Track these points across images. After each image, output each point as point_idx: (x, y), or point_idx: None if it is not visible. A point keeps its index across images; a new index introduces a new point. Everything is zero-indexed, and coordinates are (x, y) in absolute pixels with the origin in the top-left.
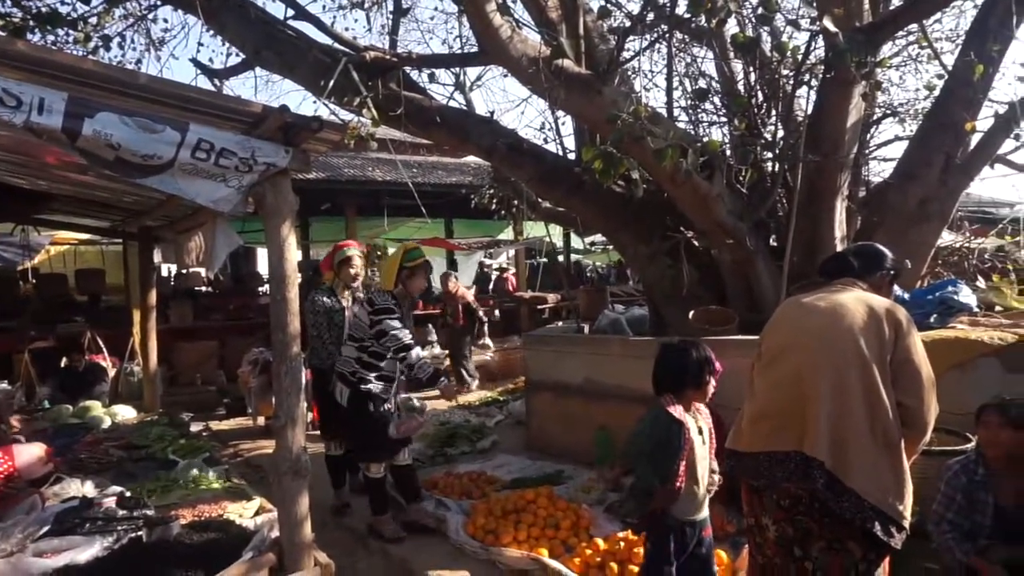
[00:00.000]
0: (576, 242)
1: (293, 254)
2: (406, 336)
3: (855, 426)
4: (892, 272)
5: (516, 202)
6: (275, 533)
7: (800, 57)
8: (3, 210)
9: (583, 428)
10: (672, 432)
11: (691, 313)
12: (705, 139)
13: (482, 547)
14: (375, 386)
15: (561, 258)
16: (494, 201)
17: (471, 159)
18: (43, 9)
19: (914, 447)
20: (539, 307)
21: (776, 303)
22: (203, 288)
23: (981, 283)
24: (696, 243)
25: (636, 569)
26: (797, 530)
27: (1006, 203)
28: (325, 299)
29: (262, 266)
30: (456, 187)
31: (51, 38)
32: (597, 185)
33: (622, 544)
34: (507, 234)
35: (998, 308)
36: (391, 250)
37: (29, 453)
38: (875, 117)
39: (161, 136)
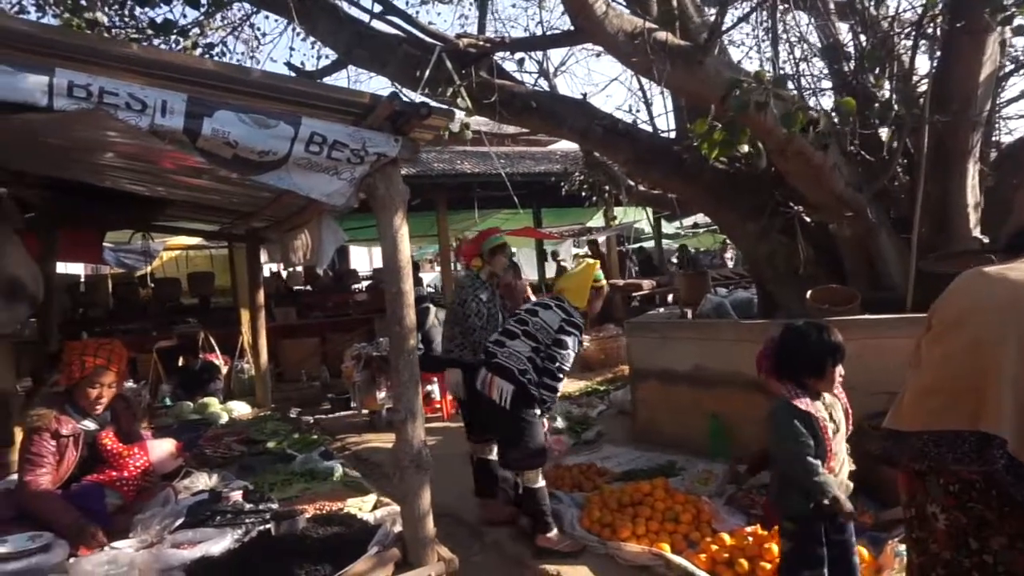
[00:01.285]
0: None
1: (407, 246)
2: (569, 364)
3: None
4: None
5: (608, 187)
6: (397, 527)
7: (923, 7)
8: (126, 217)
9: (693, 417)
10: (804, 423)
11: (808, 293)
12: (818, 107)
13: (600, 541)
14: (538, 392)
15: (653, 243)
16: (585, 187)
17: (558, 147)
18: (156, 19)
19: None
20: (633, 294)
21: (903, 278)
22: (303, 287)
23: None
24: (809, 219)
25: (768, 567)
26: (971, 519)
27: None
28: (483, 290)
29: (355, 263)
30: (545, 176)
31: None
32: (699, 163)
33: (750, 539)
34: (597, 221)
35: None
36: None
37: (162, 448)
38: (1005, 70)
39: (276, 131)
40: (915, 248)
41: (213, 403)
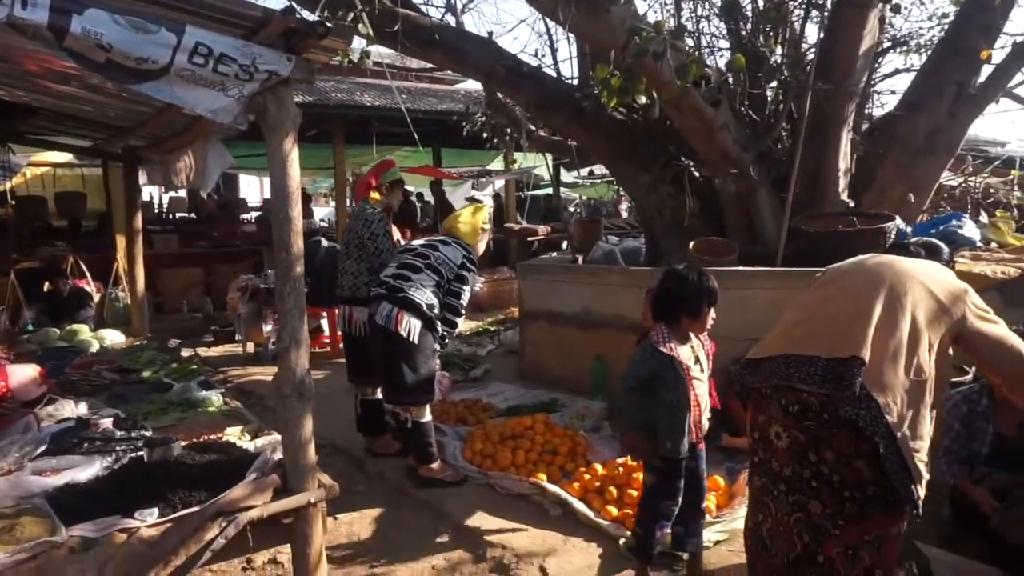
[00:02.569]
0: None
1: (296, 171)
2: (467, 299)
3: (897, 348)
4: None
5: (509, 130)
6: (278, 455)
7: None
8: None
9: (578, 357)
10: (664, 367)
11: (691, 244)
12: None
13: (480, 472)
14: (440, 328)
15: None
16: (486, 129)
17: (462, 87)
18: None
19: None
20: (529, 239)
21: (777, 235)
22: (186, 215)
23: (984, 218)
24: (698, 173)
25: (635, 493)
26: (808, 437)
27: (999, 142)
28: (388, 224)
29: (245, 193)
30: (447, 115)
31: None
32: (598, 112)
33: (620, 469)
34: (497, 164)
35: (994, 244)
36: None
37: (22, 374)
38: (883, 47)
39: (156, 38)
40: (789, 207)
41: (83, 330)
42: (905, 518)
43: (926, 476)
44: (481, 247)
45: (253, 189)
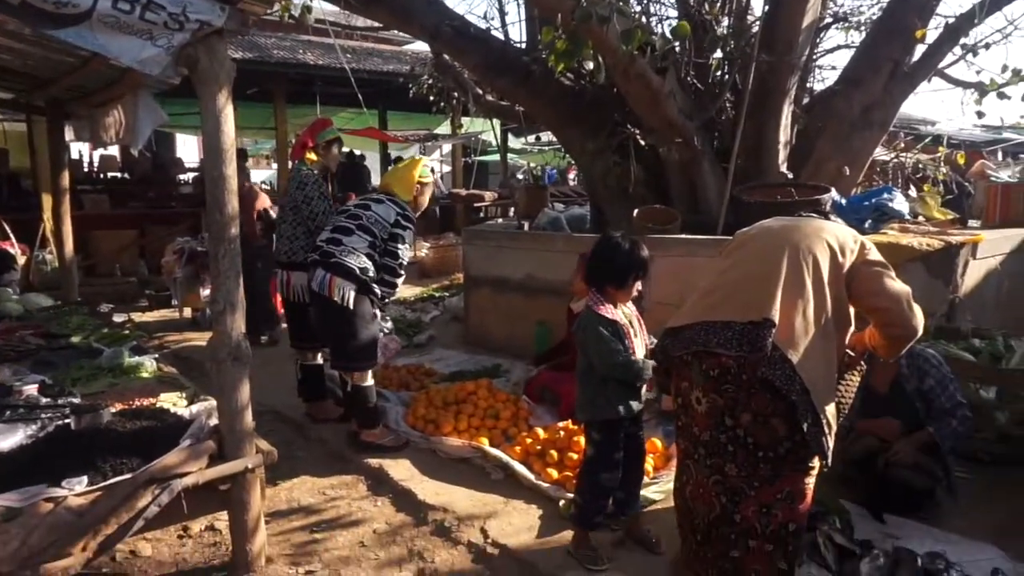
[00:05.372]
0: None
1: (231, 127)
2: (407, 259)
3: (804, 306)
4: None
5: (456, 94)
6: (213, 421)
7: None
8: None
9: (522, 323)
10: (611, 330)
11: (636, 211)
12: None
13: (422, 436)
14: (379, 290)
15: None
16: (433, 92)
17: (409, 48)
18: None
19: (899, 345)
20: (475, 205)
21: (719, 204)
22: (119, 174)
23: (912, 193)
24: (643, 141)
25: (576, 457)
26: (726, 400)
27: (929, 120)
28: (323, 186)
29: (181, 153)
30: (393, 76)
31: None
32: (546, 76)
33: (561, 433)
34: (444, 129)
35: (921, 218)
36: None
37: None
38: (824, 22)
39: None
40: (731, 177)
41: (6, 294)
42: (813, 472)
43: (835, 427)
44: (423, 202)
45: (190, 149)
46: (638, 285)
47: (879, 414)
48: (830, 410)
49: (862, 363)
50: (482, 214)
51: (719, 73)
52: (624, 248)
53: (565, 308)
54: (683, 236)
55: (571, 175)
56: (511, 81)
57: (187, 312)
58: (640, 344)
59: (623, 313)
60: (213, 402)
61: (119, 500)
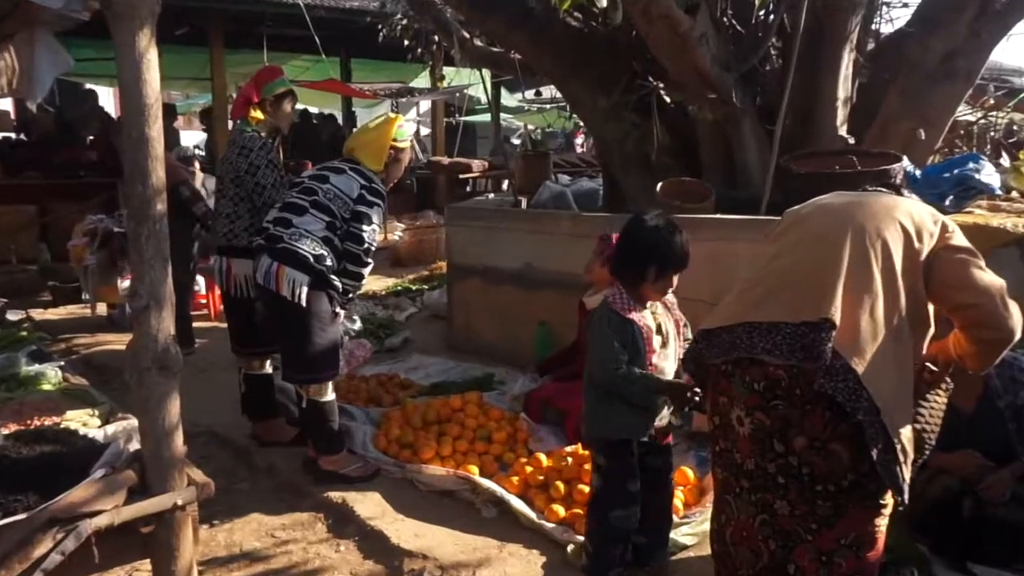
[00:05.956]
0: (506, 98)
1: (155, 75)
2: (375, 244)
3: (872, 302)
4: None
5: (437, 38)
6: (134, 445)
7: None
8: None
9: (520, 323)
10: (623, 332)
11: (659, 185)
12: None
13: (396, 464)
14: (340, 283)
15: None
16: (408, 35)
17: None
18: None
19: (992, 352)
20: (461, 176)
21: (762, 176)
22: (13, 136)
23: (1005, 161)
24: (668, 98)
25: (587, 489)
26: (775, 420)
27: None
28: (273, 152)
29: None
30: (358, 14)
31: None
32: (548, 16)
33: (569, 460)
34: (422, 82)
35: (1015, 193)
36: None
37: None
38: None
39: None
40: (778, 143)
41: None
42: (885, 512)
43: (911, 455)
44: (397, 172)
45: (105, 103)
46: (675, 280)
47: (962, 438)
48: (905, 433)
49: (947, 379)
50: (469, 188)
51: (763, 12)
52: (665, 232)
53: (574, 303)
54: (718, 216)
55: (579, 139)
56: (505, 21)
57: (101, 308)
58: (669, 357)
59: (651, 314)
60: (133, 422)
61: (11, 547)
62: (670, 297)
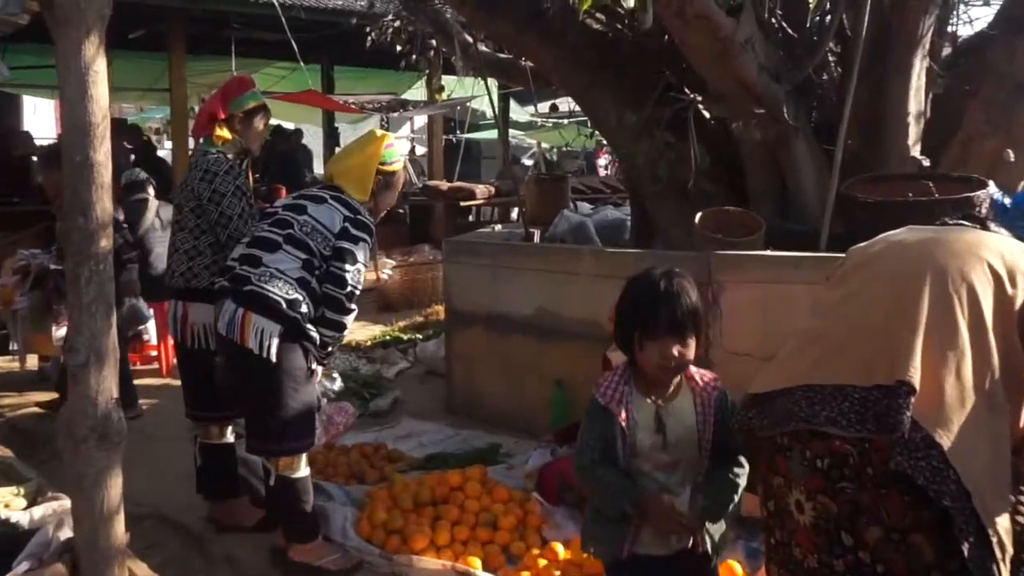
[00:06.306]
0: (516, 112)
1: (103, 89)
2: (360, 286)
3: (958, 362)
4: None
5: (435, 42)
6: (67, 532)
7: None
8: None
9: (531, 382)
10: (605, 424)
11: (697, 216)
12: None
13: (383, 555)
14: (316, 334)
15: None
16: (401, 39)
17: None
18: None
19: None
20: (463, 204)
21: (820, 205)
22: None
23: None
24: (708, 113)
25: None
26: (842, 506)
27: None
28: (242, 177)
29: (32, 124)
30: (343, 15)
31: None
32: (566, 16)
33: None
34: (416, 93)
35: None
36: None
37: None
38: None
39: None
40: (838, 165)
41: None
42: None
43: (1010, 550)
44: (386, 201)
45: (44, 118)
46: (678, 349)
47: None
48: (1002, 523)
49: None
50: (472, 217)
51: (819, 13)
52: (655, 287)
53: (597, 358)
54: (768, 252)
55: (601, 161)
56: (515, 23)
57: (32, 361)
58: (678, 469)
59: (650, 405)
60: (66, 502)
61: None
62: (707, 376)
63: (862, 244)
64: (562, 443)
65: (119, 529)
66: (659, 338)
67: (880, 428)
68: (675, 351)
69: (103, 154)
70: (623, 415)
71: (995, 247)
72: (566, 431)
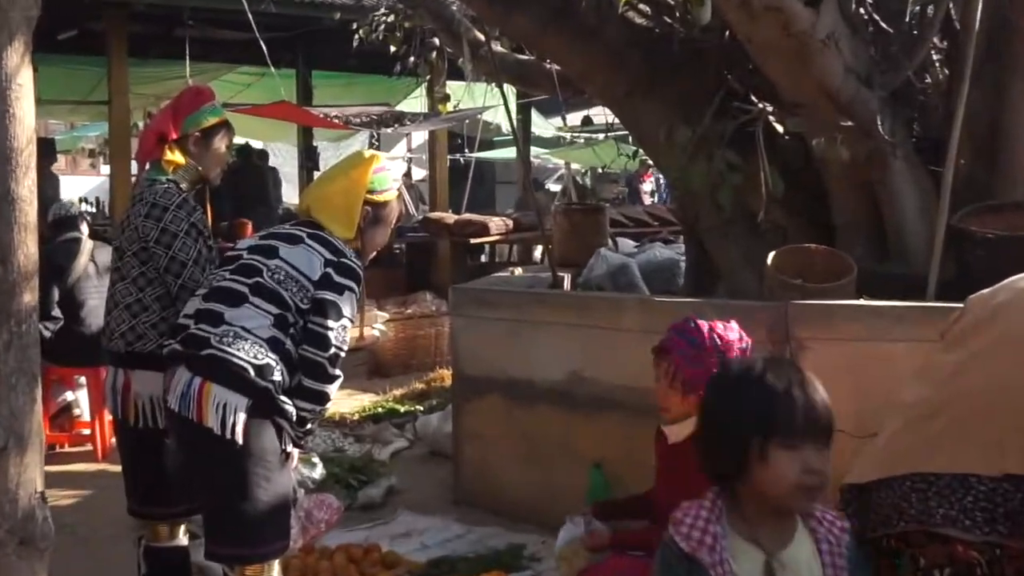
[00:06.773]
0: (540, 127)
1: (29, 105)
2: (345, 346)
3: None
4: None
5: (438, 40)
6: None
7: None
8: None
9: (564, 465)
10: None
11: (770, 256)
12: None
13: None
14: (291, 408)
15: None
16: (395, 38)
17: None
18: None
19: None
20: (473, 241)
21: (927, 241)
22: None
23: None
24: (781, 127)
25: None
26: None
27: None
28: (196, 213)
29: None
30: (323, 8)
31: None
32: (600, 12)
33: None
34: (415, 104)
35: None
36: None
37: None
38: None
39: None
40: (948, 191)
41: None
42: None
43: None
44: (376, 239)
45: None
46: (815, 460)
47: None
48: None
49: None
50: (485, 258)
51: (920, 2)
52: (782, 374)
53: (646, 434)
54: (862, 303)
55: (647, 186)
56: (538, 18)
57: None
58: None
59: (755, 550)
60: None
61: None
62: (830, 515)
63: (983, 292)
64: (603, 519)
65: None
66: (798, 446)
67: (1015, 530)
68: (818, 463)
69: (27, 187)
70: (719, 569)
71: None
72: (608, 507)
